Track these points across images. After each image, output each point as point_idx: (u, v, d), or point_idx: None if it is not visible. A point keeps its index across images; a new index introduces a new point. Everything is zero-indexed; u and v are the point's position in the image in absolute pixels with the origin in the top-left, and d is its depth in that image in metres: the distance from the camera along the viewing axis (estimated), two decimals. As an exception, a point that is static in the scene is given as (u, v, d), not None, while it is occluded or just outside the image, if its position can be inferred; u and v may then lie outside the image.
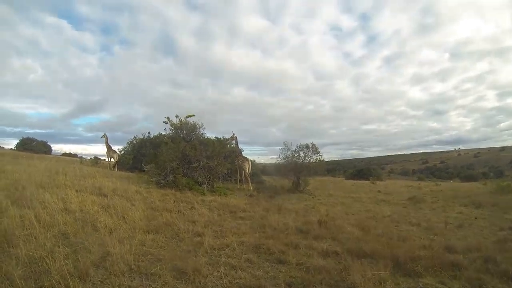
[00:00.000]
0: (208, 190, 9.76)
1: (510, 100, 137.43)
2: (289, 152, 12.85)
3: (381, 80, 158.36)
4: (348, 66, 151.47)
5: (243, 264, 3.37)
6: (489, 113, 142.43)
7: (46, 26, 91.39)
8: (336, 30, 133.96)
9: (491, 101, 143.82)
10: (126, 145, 17.36)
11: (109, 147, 16.16)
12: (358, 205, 9.69)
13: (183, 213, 5.89)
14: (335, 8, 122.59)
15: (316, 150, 12.44)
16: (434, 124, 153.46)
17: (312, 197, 11.58)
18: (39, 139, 24.51)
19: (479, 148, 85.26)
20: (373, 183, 26.11)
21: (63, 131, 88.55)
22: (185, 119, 11.62)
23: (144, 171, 15.65)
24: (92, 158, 20.13)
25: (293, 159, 12.49)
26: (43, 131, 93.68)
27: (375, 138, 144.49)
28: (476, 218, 7.70)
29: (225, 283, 2.89)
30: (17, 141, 23.49)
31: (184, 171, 10.05)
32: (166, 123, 11.69)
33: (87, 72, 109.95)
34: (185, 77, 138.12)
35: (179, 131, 11.61)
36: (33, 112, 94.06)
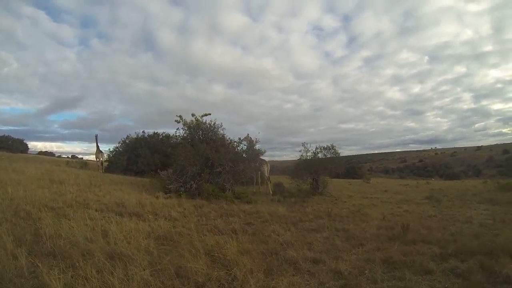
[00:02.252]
0: (234, 196, 9.74)
1: (485, 102, 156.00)
2: (309, 153, 13.19)
3: (361, 80, 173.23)
4: (328, 65, 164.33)
5: (407, 284, 3.36)
6: (465, 114, 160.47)
7: (22, 16, 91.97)
8: (317, 29, 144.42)
9: (467, 102, 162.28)
10: (117, 145, 16.89)
11: (97, 148, 15.82)
12: (391, 206, 10.24)
13: (255, 234, 5.39)
14: (317, 8, 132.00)
15: (335, 152, 12.95)
16: (411, 124, 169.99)
17: (336, 199, 12.05)
18: (14, 136, 24.68)
19: (455, 148, 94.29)
20: (367, 182, 27.69)
21: (38, 128, 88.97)
22: (201, 117, 11.40)
23: (138, 173, 15.34)
24: (70, 156, 19.95)
25: (313, 160, 12.84)
26: (17, 127, 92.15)
27: (352, 137, 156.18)
28: (506, 214, 8.64)
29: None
30: None
31: (206, 176, 9.86)
32: (179, 122, 11.37)
33: (64, 67, 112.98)
34: (164, 74, 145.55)
35: (193, 131, 11.34)
36: (7, 108, 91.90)
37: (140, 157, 15.49)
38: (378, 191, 17.62)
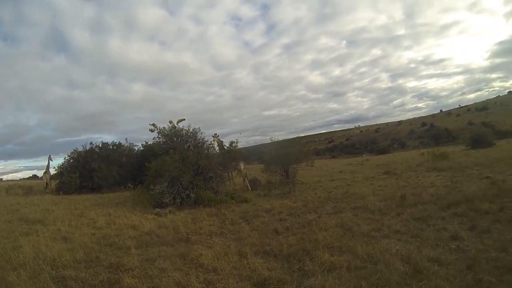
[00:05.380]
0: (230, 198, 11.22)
1: (401, 80, 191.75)
2: (278, 146, 15.62)
3: (281, 67, 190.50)
4: (248, 54, 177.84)
5: (440, 226, 5.82)
6: (384, 93, 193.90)
7: None
8: (236, 19, 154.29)
9: (384, 82, 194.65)
10: (63, 161, 16.63)
11: (47, 168, 15.94)
12: (365, 184, 13.17)
13: (306, 226, 6.69)
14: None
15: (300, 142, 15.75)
16: (334, 105, 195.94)
17: (309, 185, 14.75)
18: None
19: (377, 124, 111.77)
20: (312, 165, 31.74)
21: None
22: (176, 124, 12.45)
23: (94, 189, 15.56)
24: None
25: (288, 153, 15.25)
26: None
27: (277, 123, 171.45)
28: (455, 177, 12.37)
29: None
30: None
31: (201, 184, 11.07)
32: (153, 130, 12.19)
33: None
34: (81, 76, 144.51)
35: (170, 139, 12.23)
36: None
37: (94, 172, 15.64)
38: (333, 173, 21.28)
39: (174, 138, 12.22)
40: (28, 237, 6.91)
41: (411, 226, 6.05)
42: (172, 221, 8.42)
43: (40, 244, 6.03)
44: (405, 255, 4.36)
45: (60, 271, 4.77)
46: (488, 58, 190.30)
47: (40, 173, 17.07)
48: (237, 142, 14.00)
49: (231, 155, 12.68)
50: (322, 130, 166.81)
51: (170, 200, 10.48)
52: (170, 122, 12.40)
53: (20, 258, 5.25)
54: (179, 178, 10.61)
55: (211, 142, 13.26)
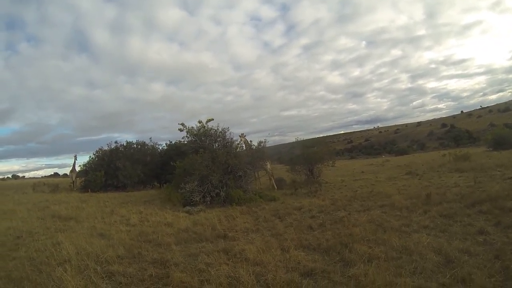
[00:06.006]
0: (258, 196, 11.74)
1: (421, 81, 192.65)
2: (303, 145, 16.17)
3: (300, 67, 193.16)
4: (267, 55, 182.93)
5: (466, 222, 6.21)
6: (403, 93, 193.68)
7: None
8: (255, 20, 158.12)
9: (404, 82, 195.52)
10: (89, 160, 17.50)
11: (73, 166, 16.66)
12: (389, 183, 13.52)
13: (339, 222, 7.09)
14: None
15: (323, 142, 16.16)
16: (353, 106, 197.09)
17: (333, 185, 15.16)
18: None
19: (396, 125, 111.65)
20: (333, 165, 32.08)
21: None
22: (206, 124, 13.07)
23: (119, 187, 16.38)
24: (10, 176, 20.86)
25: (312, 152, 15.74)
26: None
27: (296, 123, 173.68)
28: (477, 177, 12.53)
29: None
30: None
31: (229, 182, 11.59)
32: (182, 130, 12.85)
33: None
34: (101, 76, 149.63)
35: (199, 139, 12.86)
36: None
37: (119, 170, 16.41)
38: (355, 173, 21.59)
39: (203, 138, 12.83)
40: (65, 233, 7.21)
41: (438, 222, 6.41)
42: (206, 218, 8.78)
43: (80, 241, 6.22)
44: (436, 247, 4.80)
45: (105, 266, 4.92)
46: (511, 58, 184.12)
47: (61, 171, 18.20)
48: (265, 142, 14.48)
49: (259, 155, 13.20)
50: (341, 130, 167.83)
51: (200, 199, 10.98)
52: (200, 122, 13.07)
53: (63, 254, 5.44)
54: (209, 177, 11.14)
55: (239, 142, 13.85)
